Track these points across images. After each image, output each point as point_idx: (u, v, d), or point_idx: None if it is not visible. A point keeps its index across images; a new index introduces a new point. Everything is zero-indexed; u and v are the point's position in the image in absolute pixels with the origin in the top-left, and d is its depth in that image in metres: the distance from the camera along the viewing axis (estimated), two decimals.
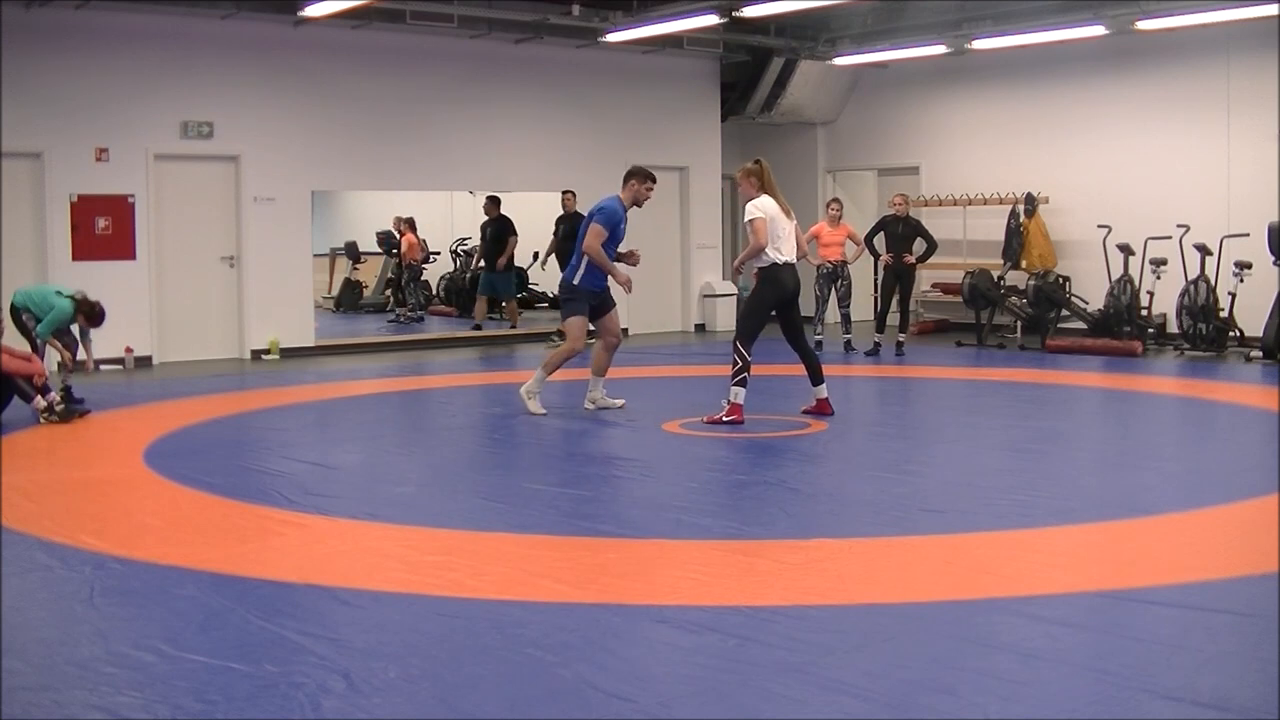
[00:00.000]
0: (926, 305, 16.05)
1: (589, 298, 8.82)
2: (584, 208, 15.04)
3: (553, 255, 14.46)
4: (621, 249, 8.96)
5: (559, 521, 5.81)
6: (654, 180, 8.85)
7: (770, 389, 9.60)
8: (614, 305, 9.08)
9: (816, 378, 8.61)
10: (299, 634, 4.12)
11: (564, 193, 14.39)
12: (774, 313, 8.43)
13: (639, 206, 8.90)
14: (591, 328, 8.97)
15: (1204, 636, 4.01)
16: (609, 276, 8.81)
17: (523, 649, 3.95)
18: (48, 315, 9.08)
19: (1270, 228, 11.91)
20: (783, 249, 8.30)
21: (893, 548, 5.29)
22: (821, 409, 8.60)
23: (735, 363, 8.26)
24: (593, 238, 8.63)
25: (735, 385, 8.26)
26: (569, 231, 13.47)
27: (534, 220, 18.08)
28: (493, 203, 15.42)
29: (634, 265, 9.07)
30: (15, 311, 9.19)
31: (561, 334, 13.38)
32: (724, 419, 8.25)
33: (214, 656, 3.90)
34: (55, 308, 9.11)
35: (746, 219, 8.36)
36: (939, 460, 7.40)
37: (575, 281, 8.78)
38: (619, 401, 9.02)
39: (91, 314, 9.27)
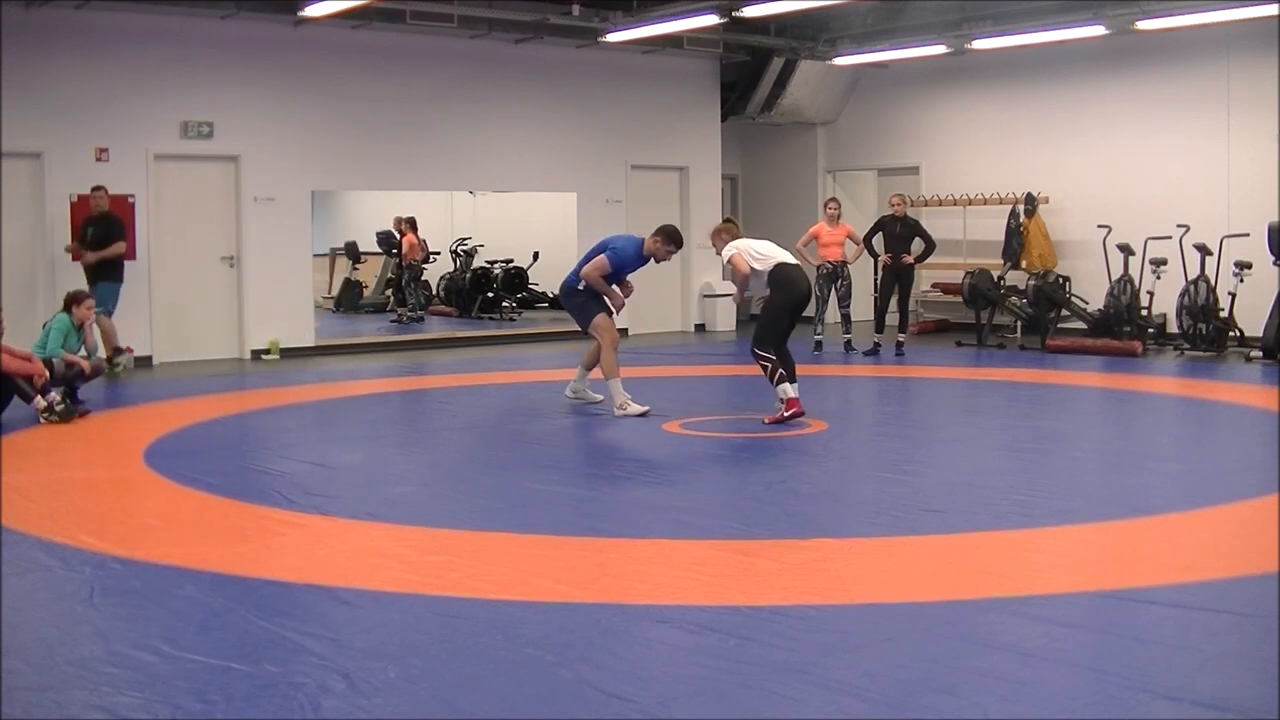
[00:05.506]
0: (926, 305, 16.05)
1: (591, 296, 8.98)
2: (586, 209, 15.27)
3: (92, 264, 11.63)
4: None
5: (559, 521, 5.81)
6: (678, 247, 9.06)
7: (771, 390, 9.58)
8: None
9: (790, 377, 8.62)
10: (299, 634, 4.12)
11: (94, 189, 11.73)
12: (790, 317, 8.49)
13: (656, 262, 9.11)
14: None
15: (1204, 636, 4.02)
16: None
17: (523, 649, 3.95)
18: (50, 338, 9.05)
19: (1270, 228, 11.90)
20: (775, 256, 8.44)
21: (893, 548, 5.30)
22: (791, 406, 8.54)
23: (765, 368, 8.36)
24: (594, 269, 8.85)
25: (778, 384, 8.35)
26: (98, 236, 11.49)
27: (537, 220, 18.11)
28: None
29: (626, 295, 9.22)
30: (48, 363, 8.99)
31: (113, 358, 11.44)
32: (786, 416, 8.30)
33: (214, 656, 3.90)
34: (51, 328, 9.13)
35: (725, 261, 8.60)
36: (939, 460, 7.40)
37: (580, 286, 8.99)
38: (599, 396, 9.12)
39: (79, 297, 9.29)
